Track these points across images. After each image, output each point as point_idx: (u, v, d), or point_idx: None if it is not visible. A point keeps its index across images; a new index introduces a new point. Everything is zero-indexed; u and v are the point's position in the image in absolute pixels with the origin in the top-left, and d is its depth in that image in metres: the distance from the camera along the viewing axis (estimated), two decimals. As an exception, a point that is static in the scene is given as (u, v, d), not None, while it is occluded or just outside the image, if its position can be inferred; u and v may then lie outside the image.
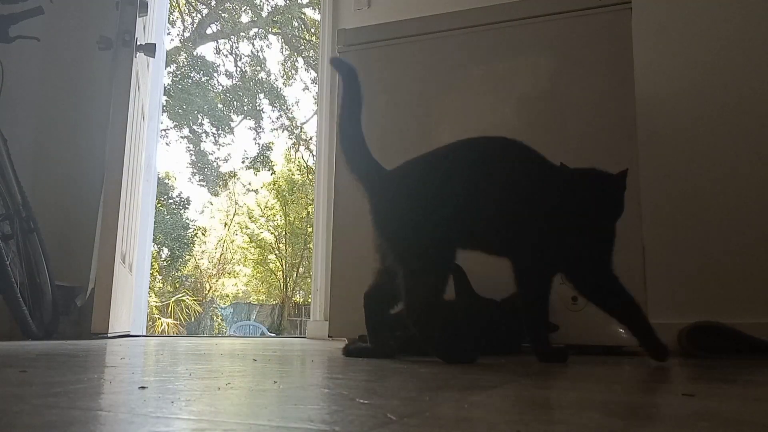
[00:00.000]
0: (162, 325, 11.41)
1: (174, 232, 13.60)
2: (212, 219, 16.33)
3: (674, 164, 2.27)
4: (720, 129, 2.25)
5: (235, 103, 15.07)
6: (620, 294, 1.25)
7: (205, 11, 14.69)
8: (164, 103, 12.07)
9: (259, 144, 15.22)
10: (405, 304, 1.26)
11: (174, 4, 13.40)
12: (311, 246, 5.19)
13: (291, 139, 15.73)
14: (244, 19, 14.72)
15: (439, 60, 1.98)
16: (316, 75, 10.94)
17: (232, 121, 15.11)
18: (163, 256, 13.66)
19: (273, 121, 15.32)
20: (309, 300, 7.47)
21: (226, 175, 15.53)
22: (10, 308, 2.19)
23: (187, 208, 14.82)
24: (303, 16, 14.36)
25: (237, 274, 16.09)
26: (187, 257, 14.72)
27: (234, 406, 0.63)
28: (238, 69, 15.07)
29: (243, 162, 15.37)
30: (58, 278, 2.62)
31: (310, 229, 13.66)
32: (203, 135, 14.72)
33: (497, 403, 0.65)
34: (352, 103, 1.42)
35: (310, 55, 14.41)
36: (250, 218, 16.01)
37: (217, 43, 14.92)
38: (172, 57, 13.76)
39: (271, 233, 15.84)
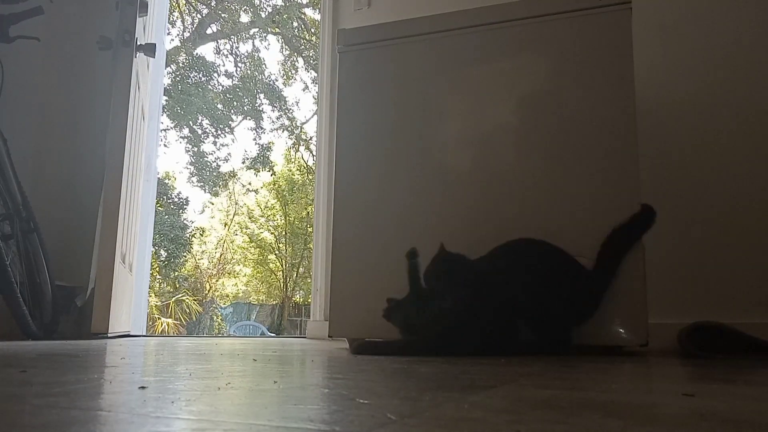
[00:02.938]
0: (162, 325, 11.40)
1: (171, 233, 13.58)
2: (212, 219, 16.34)
3: (674, 164, 2.27)
4: (720, 128, 2.25)
5: (235, 103, 15.06)
6: None
7: (205, 11, 14.69)
8: (164, 103, 12.06)
9: (259, 144, 15.23)
10: None
11: (174, 4, 13.39)
12: (311, 246, 5.18)
13: (291, 139, 15.73)
14: (244, 19, 14.73)
15: (439, 60, 1.98)
16: (316, 75, 10.94)
17: (232, 121, 15.11)
18: (161, 257, 13.66)
19: (273, 121, 15.32)
20: (309, 300, 7.46)
21: (226, 175, 15.53)
22: (10, 308, 2.19)
23: (185, 208, 14.82)
24: (303, 16, 14.35)
25: (237, 274, 16.09)
26: (184, 259, 14.70)
27: (234, 406, 0.63)
28: (238, 69, 15.08)
29: (243, 162, 15.38)
30: (58, 278, 2.62)
31: (310, 229, 13.66)
32: (203, 135, 14.72)
33: (497, 403, 0.65)
34: None
35: (310, 55, 14.40)
36: (250, 218, 16.01)
37: (217, 43, 14.93)
38: (172, 57, 13.75)
39: (271, 233, 15.84)
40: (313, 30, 13.83)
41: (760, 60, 2.25)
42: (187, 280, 14.91)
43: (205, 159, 14.95)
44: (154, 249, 12.71)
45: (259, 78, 15.05)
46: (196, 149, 14.78)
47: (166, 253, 13.67)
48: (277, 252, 15.54)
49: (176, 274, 14.44)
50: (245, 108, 15.10)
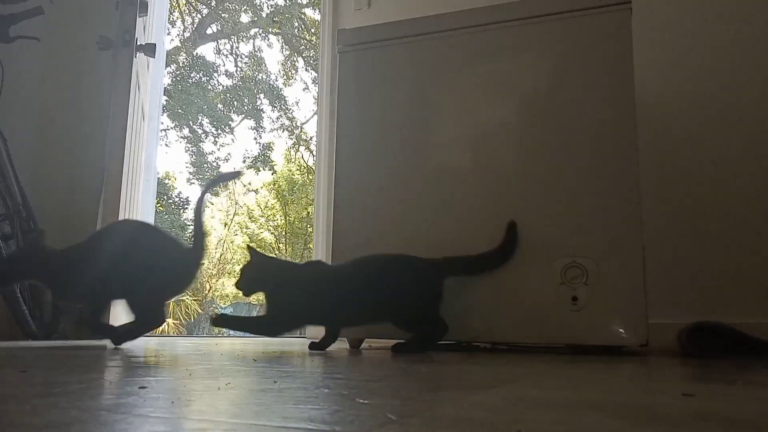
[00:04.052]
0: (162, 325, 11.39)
1: (170, 232, 13.56)
2: (212, 219, 16.33)
3: (674, 164, 2.27)
4: (720, 128, 2.25)
5: (235, 103, 15.06)
6: None
7: (205, 11, 14.69)
8: (164, 103, 12.07)
9: (259, 144, 15.24)
10: None
11: (174, 4, 13.39)
12: (311, 246, 5.18)
13: (291, 139, 15.73)
14: (244, 19, 14.73)
15: (439, 60, 1.98)
16: (316, 75, 10.94)
17: (232, 121, 15.11)
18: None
19: (273, 121, 15.33)
20: (309, 300, 7.44)
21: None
22: (10, 308, 2.19)
23: (186, 208, 14.81)
24: (303, 16, 14.36)
25: (237, 274, 16.08)
26: (184, 258, 14.66)
27: (234, 406, 0.63)
28: (238, 69, 15.08)
29: (244, 162, 15.39)
30: (58, 278, 2.61)
31: (310, 229, 13.66)
32: (203, 135, 14.73)
33: (497, 403, 0.65)
34: None
35: (310, 55, 14.40)
36: (250, 218, 16.01)
37: (217, 43, 14.93)
38: (172, 57, 13.75)
39: (271, 233, 15.84)
40: (313, 30, 13.83)
41: (760, 60, 2.25)
42: (187, 280, 14.87)
43: (205, 159, 14.95)
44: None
45: (259, 78, 15.05)
46: (196, 149, 14.79)
47: (165, 253, 13.63)
48: (277, 252, 15.54)
49: (174, 274, 14.40)
50: (245, 108, 15.10)
